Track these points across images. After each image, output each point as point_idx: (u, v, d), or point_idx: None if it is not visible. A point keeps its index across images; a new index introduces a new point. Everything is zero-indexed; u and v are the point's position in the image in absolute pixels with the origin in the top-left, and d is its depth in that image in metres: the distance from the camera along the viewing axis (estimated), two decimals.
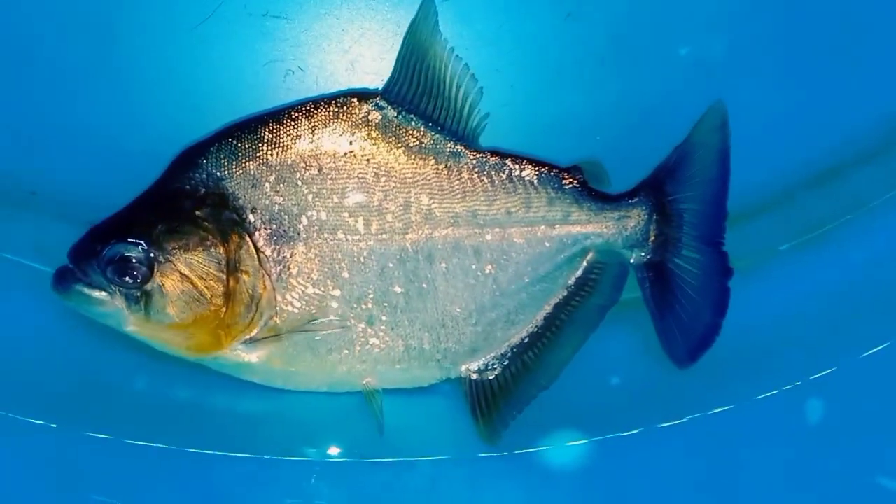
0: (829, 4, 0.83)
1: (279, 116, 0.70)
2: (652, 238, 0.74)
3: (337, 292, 0.71)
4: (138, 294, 0.68)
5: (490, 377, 0.75)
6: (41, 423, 0.69)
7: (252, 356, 0.72)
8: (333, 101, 0.71)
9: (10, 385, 0.73)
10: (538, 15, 0.81)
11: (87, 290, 0.68)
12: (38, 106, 0.82)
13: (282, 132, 0.70)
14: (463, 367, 0.75)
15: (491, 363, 0.75)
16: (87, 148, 0.82)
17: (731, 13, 0.82)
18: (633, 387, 0.77)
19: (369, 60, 0.81)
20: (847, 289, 0.81)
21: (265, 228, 0.70)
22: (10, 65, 0.81)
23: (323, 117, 0.70)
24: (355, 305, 0.72)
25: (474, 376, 0.75)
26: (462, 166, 0.72)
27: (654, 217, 0.73)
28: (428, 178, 0.71)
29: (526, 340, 0.75)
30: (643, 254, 0.74)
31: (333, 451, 0.72)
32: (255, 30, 0.81)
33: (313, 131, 0.70)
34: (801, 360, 0.75)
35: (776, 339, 0.78)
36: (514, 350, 0.75)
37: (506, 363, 0.75)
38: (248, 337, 0.71)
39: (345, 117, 0.70)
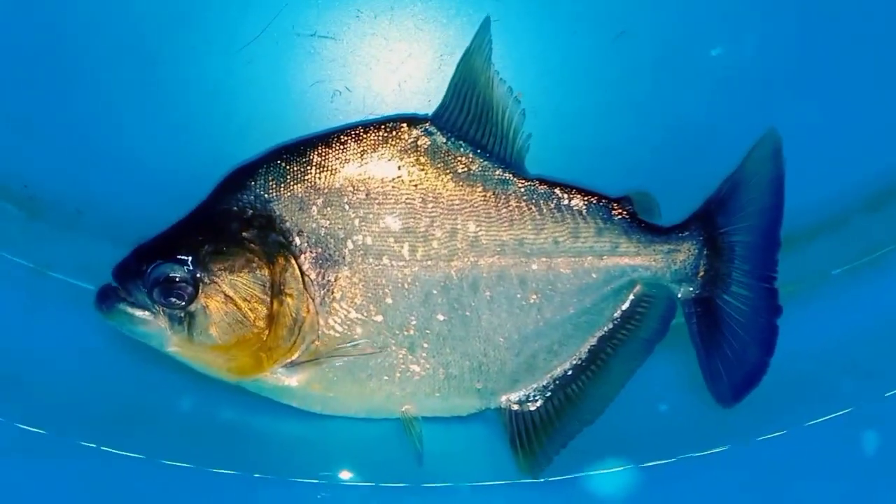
0: (884, 23, 0.82)
1: (328, 140, 0.70)
2: (701, 273, 0.72)
3: (379, 318, 0.70)
4: (182, 314, 0.68)
5: (531, 409, 0.74)
6: (87, 444, 0.69)
7: (292, 380, 0.71)
8: (383, 126, 0.70)
9: (55, 405, 0.73)
10: (587, 35, 0.80)
11: (130, 310, 0.68)
12: (85, 126, 0.83)
13: (330, 156, 0.70)
14: (503, 398, 0.74)
15: (532, 395, 0.74)
16: (134, 168, 0.82)
17: (786, 34, 0.81)
18: (681, 413, 0.75)
19: (417, 81, 0.80)
20: None
21: (311, 252, 0.69)
22: (57, 85, 0.82)
23: (372, 141, 0.70)
24: (397, 332, 0.71)
25: (515, 407, 0.74)
26: (510, 194, 0.71)
27: (705, 251, 0.72)
28: (475, 205, 0.70)
29: (569, 373, 0.74)
30: (691, 289, 0.72)
31: (370, 475, 0.71)
32: (302, 50, 0.81)
33: (362, 155, 0.70)
34: (853, 387, 0.74)
35: (827, 365, 0.77)
36: (557, 382, 0.74)
37: (548, 395, 0.74)
38: (289, 360, 0.70)
39: (394, 142, 0.70)
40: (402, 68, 0.81)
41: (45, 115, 0.83)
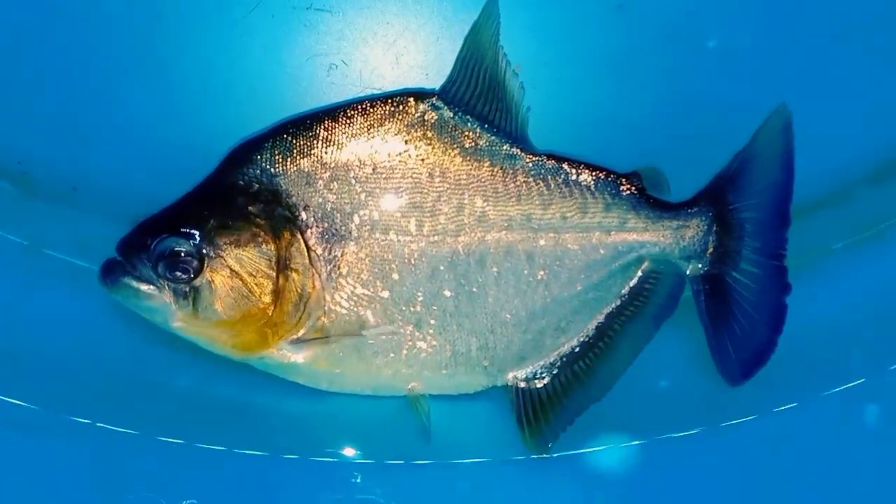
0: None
1: (334, 114, 0.69)
2: (710, 250, 0.72)
3: (386, 294, 0.70)
4: (187, 289, 0.67)
5: (538, 386, 0.73)
6: (83, 420, 0.69)
7: (298, 356, 0.71)
8: (390, 100, 0.69)
9: (52, 382, 0.73)
10: (588, 6, 0.79)
11: (135, 284, 0.68)
12: (81, 101, 0.82)
13: (337, 130, 0.69)
14: (510, 375, 0.73)
15: (539, 372, 0.73)
16: (129, 143, 0.82)
17: (792, 7, 0.80)
18: (684, 388, 0.75)
19: (414, 54, 0.79)
20: None
21: (317, 226, 0.69)
22: (51, 61, 0.81)
23: (379, 116, 0.69)
24: (404, 308, 0.70)
25: (522, 384, 0.73)
26: (518, 169, 0.70)
27: (714, 228, 0.71)
28: (482, 180, 0.70)
29: (577, 350, 0.73)
30: (700, 265, 0.72)
31: (376, 452, 0.71)
32: (298, 23, 0.80)
33: (369, 130, 0.69)
34: (855, 360, 0.73)
35: (829, 339, 0.76)
36: (564, 359, 0.73)
37: (555, 372, 0.73)
38: (294, 337, 0.70)
39: (401, 117, 0.69)
40: (400, 42, 0.80)
41: (39, 91, 0.82)
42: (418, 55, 0.80)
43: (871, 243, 0.83)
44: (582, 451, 0.71)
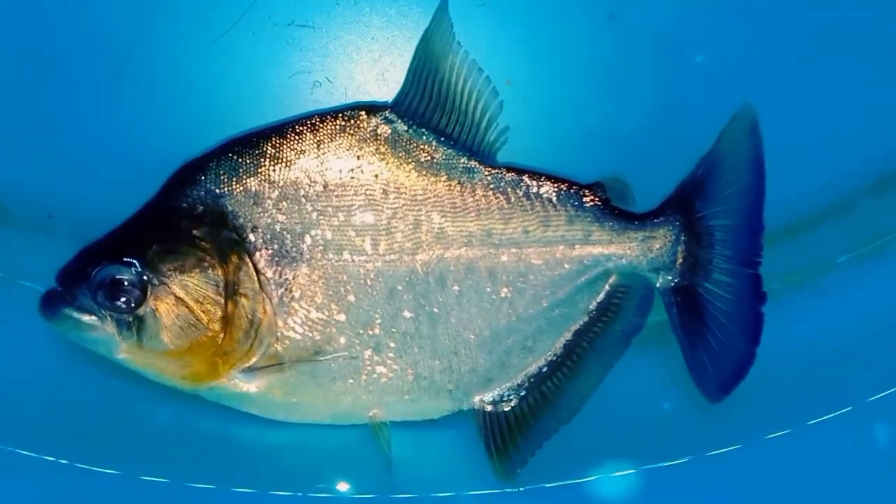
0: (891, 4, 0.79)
1: (282, 130, 0.66)
2: (680, 260, 0.69)
3: (342, 317, 0.67)
4: (130, 319, 0.64)
5: (506, 409, 0.70)
6: (61, 461, 0.65)
7: (251, 386, 0.67)
8: (340, 115, 0.67)
9: (26, 419, 0.69)
10: (577, 19, 0.77)
11: (76, 315, 0.64)
12: (56, 127, 0.79)
13: (285, 147, 0.66)
14: (476, 399, 0.70)
15: (506, 394, 0.70)
16: (107, 170, 0.79)
17: (786, 15, 0.78)
18: (685, 411, 0.71)
19: (400, 70, 0.76)
20: None
21: (266, 249, 0.66)
22: (24, 86, 0.79)
23: (329, 131, 0.66)
24: (361, 331, 0.67)
25: (489, 408, 0.70)
26: (476, 183, 0.67)
27: (682, 237, 0.68)
28: (440, 195, 0.67)
29: (544, 370, 0.70)
30: (670, 277, 0.69)
31: (342, 486, 0.68)
32: (280, 39, 0.78)
33: (318, 146, 0.66)
34: (862, 378, 0.70)
35: (834, 356, 0.73)
36: (532, 380, 0.70)
37: (522, 394, 0.70)
38: (246, 365, 0.66)
39: (352, 131, 0.66)
40: (385, 57, 0.78)
41: (12, 117, 0.79)
42: (404, 70, 0.75)
43: (875, 256, 0.80)
44: (580, 479, 0.67)
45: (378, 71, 0.78)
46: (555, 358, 0.70)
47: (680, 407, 0.70)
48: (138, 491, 0.66)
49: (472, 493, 0.66)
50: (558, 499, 0.66)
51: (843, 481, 0.66)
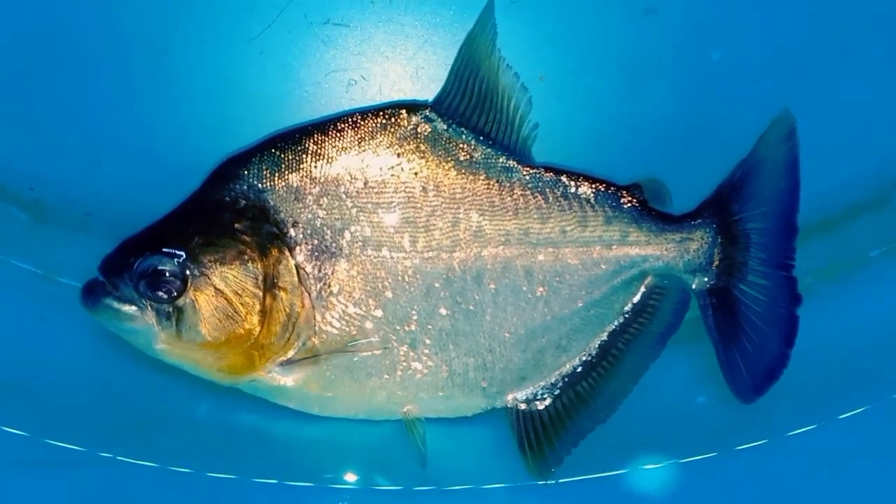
0: None
1: (324, 127, 0.67)
2: (716, 262, 0.69)
3: (379, 312, 0.67)
4: (170, 309, 0.65)
5: (539, 408, 0.70)
6: (105, 455, 0.66)
7: (288, 379, 0.68)
8: (381, 113, 0.67)
9: (65, 414, 0.70)
10: (612, 15, 0.77)
11: (116, 305, 0.65)
12: (94, 125, 0.80)
13: (327, 144, 0.67)
14: (510, 397, 0.70)
15: (540, 393, 0.70)
16: (145, 167, 0.79)
17: (819, 11, 0.78)
18: (720, 406, 0.71)
19: (434, 68, 0.77)
20: None
21: (306, 243, 0.66)
22: (64, 84, 0.80)
23: (370, 129, 0.67)
24: (398, 327, 0.67)
25: (522, 406, 0.70)
26: (514, 182, 0.68)
27: (719, 240, 0.69)
28: (478, 193, 0.67)
29: (579, 369, 0.70)
30: (706, 279, 0.69)
31: (374, 478, 0.68)
32: (316, 38, 0.79)
33: (359, 143, 0.67)
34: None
35: (868, 350, 0.73)
36: (566, 379, 0.70)
37: (556, 393, 0.70)
38: (283, 358, 0.67)
39: (393, 129, 0.67)
40: (419, 55, 0.79)
41: (52, 115, 0.80)
42: (438, 68, 0.78)
43: None
44: (616, 472, 0.67)
45: (412, 69, 0.79)
46: (590, 358, 0.70)
47: (715, 401, 0.70)
48: (178, 483, 0.66)
49: (507, 484, 0.66)
50: (594, 491, 0.67)
51: (876, 473, 0.66)
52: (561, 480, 0.67)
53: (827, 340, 0.69)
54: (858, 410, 0.68)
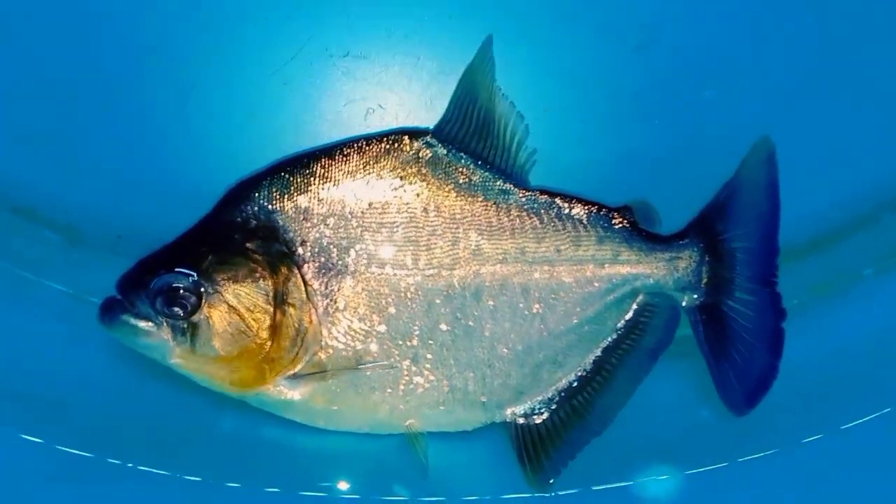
0: None
1: (331, 152, 0.71)
2: (704, 280, 0.72)
3: (382, 328, 0.70)
4: (185, 325, 0.68)
5: (537, 421, 0.73)
6: (124, 464, 0.69)
7: (295, 393, 0.71)
8: (385, 139, 0.71)
9: (96, 428, 0.73)
10: (607, 48, 0.82)
11: (133, 321, 0.68)
12: (125, 152, 0.84)
13: (333, 167, 0.71)
14: (509, 411, 0.73)
15: (538, 407, 0.73)
16: (173, 193, 0.83)
17: (808, 37, 0.82)
18: (723, 418, 0.73)
19: (448, 98, 0.80)
20: None
21: (314, 261, 0.70)
22: (95, 112, 0.84)
23: (374, 153, 0.71)
24: (400, 342, 0.70)
25: (521, 420, 0.73)
26: (511, 204, 0.72)
27: (706, 258, 0.72)
28: (476, 214, 0.71)
29: (574, 384, 0.73)
30: (695, 296, 0.72)
31: (375, 489, 0.70)
32: (336, 70, 0.84)
33: (364, 167, 0.71)
34: (890, 386, 0.72)
35: (862, 366, 0.75)
36: (563, 394, 0.73)
37: (553, 407, 0.73)
38: (291, 372, 0.70)
39: (396, 154, 0.71)
40: (433, 86, 0.83)
41: (84, 144, 0.85)
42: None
43: None
44: (622, 483, 0.70)
45: (427, 98, 0.83)
46: (584, 373, 0.73)
47: (718, 414, 0.72)
48: (192, 490, 0.69)
49: (516, 495, 0.68)
50: (601, 501, 0.69)
51: (875, 484, 0.68)
52: (568, 492, 0.69)
53: (822, 355, 0.71)
54: (857, 422, 0.71)
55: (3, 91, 0.84)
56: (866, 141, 0.84)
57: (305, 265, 0.70)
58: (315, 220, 0.70)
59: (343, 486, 0.70)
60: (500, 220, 0.71)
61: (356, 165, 0.71)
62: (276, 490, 0.68)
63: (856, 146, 0.83)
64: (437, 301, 0.70)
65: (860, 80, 0.83)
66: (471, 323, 0.71)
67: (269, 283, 0.69)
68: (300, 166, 0.71)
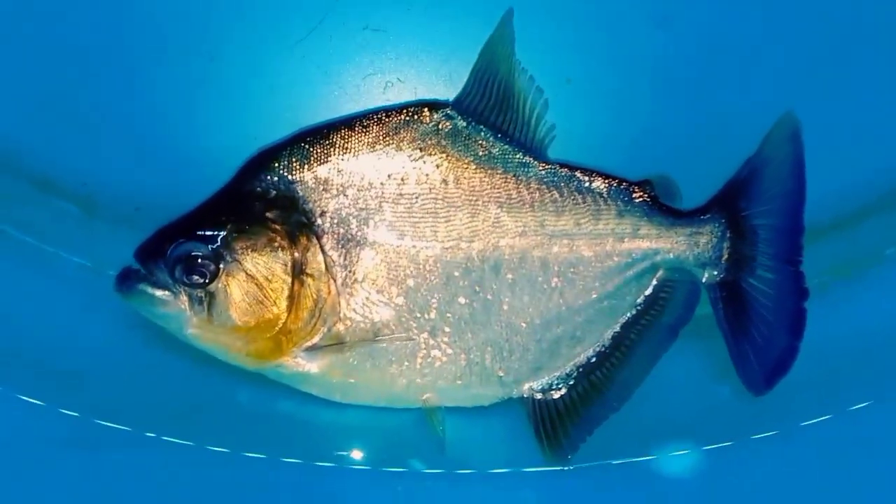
0: None
1: (351, 123, 0.71)
2: (725, 256, 0.71)
3: (401, 300, 0.70)
4: (202, 294, 0.68)
5: (555, 397, 0.72)
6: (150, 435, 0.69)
7: (312, 365, 0.70)
8: (405, 110, 0.71)
9: (115, 399, 0.73)
10: (631, 20, 0.81)
11: (150, 290, 0.68)
12: (143, 124, 0.85)
13: (353, 138, 0.71)
14: (526, 386, 0.72)
15: (555, 382, 0.72)
16: (192, 165, 0.83)
17: (830, 15, 0.81)
18: (742, 395, 0.72)
19: (466, 71, 0.79)
20: None
21: (333, 232, 0.69)
22: (114, 84, 0.84)
23: (394, 125, 0.71)
24: (418, 314, 0.70)
25: (538, 396, 0.72)
26: (531, 177, 0.71)
27: (728, 234, 0.71)
28: (496, 187, 0.71)
29: (593, 360, 0.72)
30: (716, 272, 0.72)
31: (392, 461, 0.70)
32: (354, 43, 0.84)
33: (384, 138, 0.70)
34: None
35: (883, 346, 0.74)
36: (581, 369, 0.72)
37: (571, 383, 0.72)
38: (309, 344, 0.69)
39: (415, 126, 0.71)
40: (452, 59, 0.83)
41: (103, 116, 0.85)
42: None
43: None
44: (642, 458, 0.69)
45: (446, 72, 0.83)
46: (603, 349, 0.73)
47: (738, 391, 0.71)
48: (214, 461, 0.69)
49: (533, 469, 0.68)
50: (620, 475, 0.68)
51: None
52: (590, 464, 0.69)
53: (842, 336, 0.71)
54: (871, 403, 0.70)
55: (21, 62, 0.84)
56: (889, 120, 0.83)
57: (325, 236, 0.69)
58: (335, 191, 0.70)
59: (359, 456, 0.70)
60: (519, 192, 0.71)
61: (376, 137, 0.71)
62: (294, 460, 0.68)
63: (879, 125, 0.82)
64: (456, 274, 0.70)
65: (887, 58, 0.83)
66: (489, 296, 0.70)
67: (288, 253, 0.68)
68: (320, 137, 0.71)
